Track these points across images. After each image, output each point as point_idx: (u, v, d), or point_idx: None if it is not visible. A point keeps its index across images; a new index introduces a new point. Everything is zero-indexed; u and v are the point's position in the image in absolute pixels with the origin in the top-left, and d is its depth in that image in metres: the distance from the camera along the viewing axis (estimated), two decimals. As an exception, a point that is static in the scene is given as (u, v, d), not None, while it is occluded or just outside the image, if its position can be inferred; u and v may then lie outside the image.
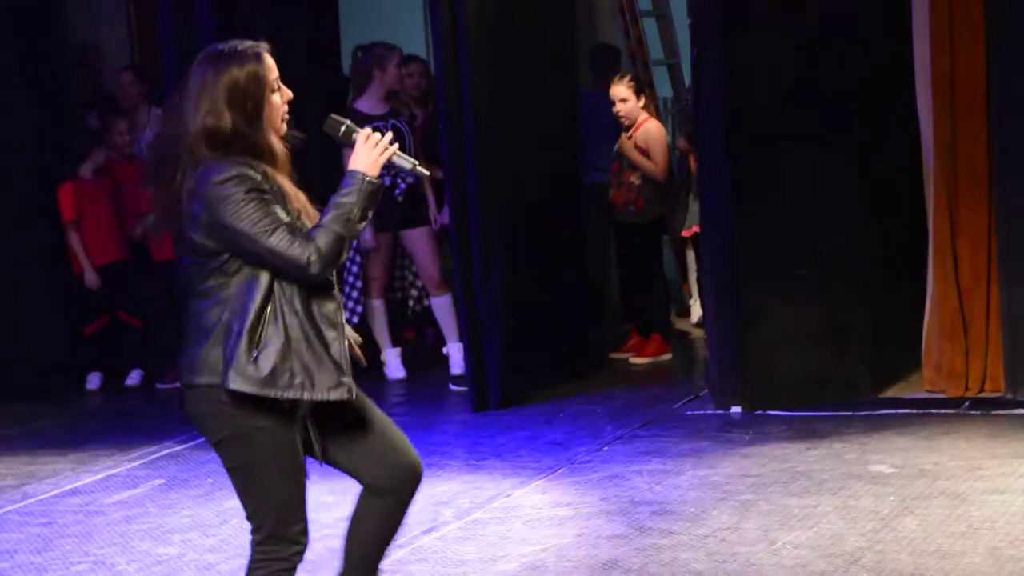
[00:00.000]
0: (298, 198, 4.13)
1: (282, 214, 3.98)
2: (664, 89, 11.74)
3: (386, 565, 5.80)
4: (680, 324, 10.39)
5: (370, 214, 4.09)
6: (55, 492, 7.25)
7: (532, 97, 8.73)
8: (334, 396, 4.06)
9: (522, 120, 8.61)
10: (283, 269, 3.97)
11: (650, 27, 11.61)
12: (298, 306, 4.01)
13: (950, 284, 7.83)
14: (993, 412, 7.55)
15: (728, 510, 6.21)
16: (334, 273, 4.13)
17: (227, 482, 7.08)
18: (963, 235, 7.82)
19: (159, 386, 9.60)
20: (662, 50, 11.68)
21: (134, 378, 9.72)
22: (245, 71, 4.03)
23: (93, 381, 9.72)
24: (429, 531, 6.21)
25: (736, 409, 7.93)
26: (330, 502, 6.66)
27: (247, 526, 6.36)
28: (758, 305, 7.93)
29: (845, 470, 6.68)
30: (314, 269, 3.96)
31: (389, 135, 4.20)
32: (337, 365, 4.06)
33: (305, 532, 4.25)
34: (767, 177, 7.93)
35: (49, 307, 9.65)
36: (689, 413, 8.05)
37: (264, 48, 4.10)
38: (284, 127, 4.13)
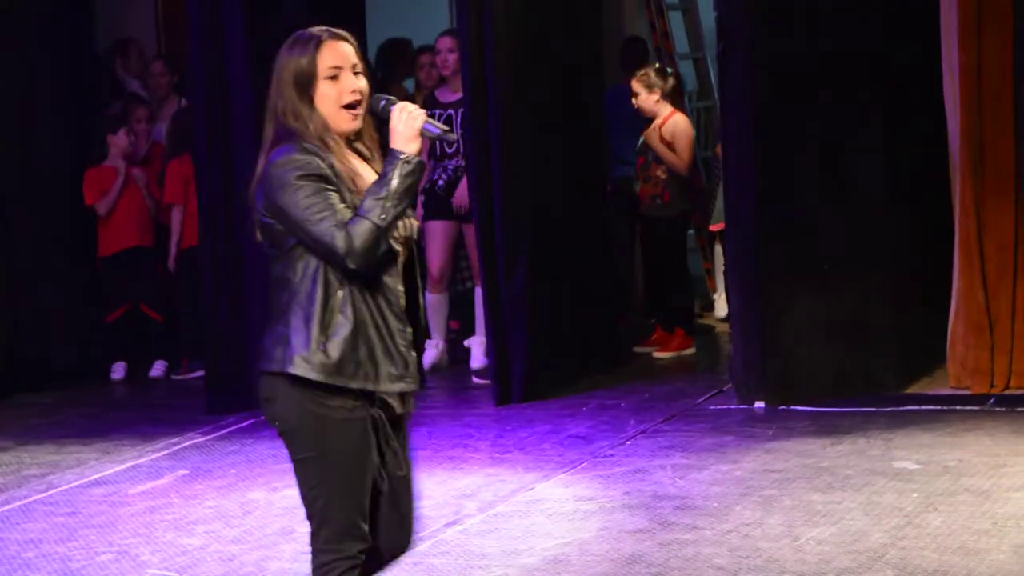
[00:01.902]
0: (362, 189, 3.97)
1: (337, 202, 3.90)
2: (690, 83, 11.71)
3: (409, 557, 5.83)
4: (705, 319, 10.37)
5: (413, 192, 3.93)
6: (80, 482, 7.27)
7: (558, 90, 8.71)
8: (397, 388, 3.98)
9: (548, 113, 8.60)
10: (326, 259, 3.90)
11: (676, 20, 11.58)
12: (367, 293, 3.93)
13: (976, 279, 7.80)
14: (1018, 409, 7.51)
15: (751, 505, 6.19)
16: (398, 260, 4.00)
17: (250, 472, 7.18)
18: (989, 230, 7.78)
19: (174, 377, 9.61)
20: (688, 44, 11.66)
21: (158, 369, 9.74)
22: (302, 58, 3.96)
23: (118, 371, 9.74)
24: (451, 524, 6.21)
25: (760, 404, 7.91)
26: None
27: (271, 518, 6.42)
28: (783, 300, 7.91)
29: (869, 466, 6.66)
30: (351, 263, 3.87)
31: (418, 108, 4.02)
32: (401, 357, 3.98)
33: (369, 530, 4.06)
34: (793, 171, 7.91)
35: (73, 297, 9.67)
36: (712, 408, 8.03)
37: (333, 35, 4.00)
38: (347, 117, 3.99)
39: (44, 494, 7.09)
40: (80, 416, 8.79)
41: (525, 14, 8.42)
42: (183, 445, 7.87)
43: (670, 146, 9.31)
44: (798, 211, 7.90)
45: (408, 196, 3.92)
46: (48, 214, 9.58)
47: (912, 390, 7.97)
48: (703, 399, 8.22)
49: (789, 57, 7.86)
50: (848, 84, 7.82)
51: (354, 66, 4.00)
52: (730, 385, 8.22)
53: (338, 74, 3.98)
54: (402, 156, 3.92)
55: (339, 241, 3.84)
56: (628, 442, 7.40)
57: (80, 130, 9.74)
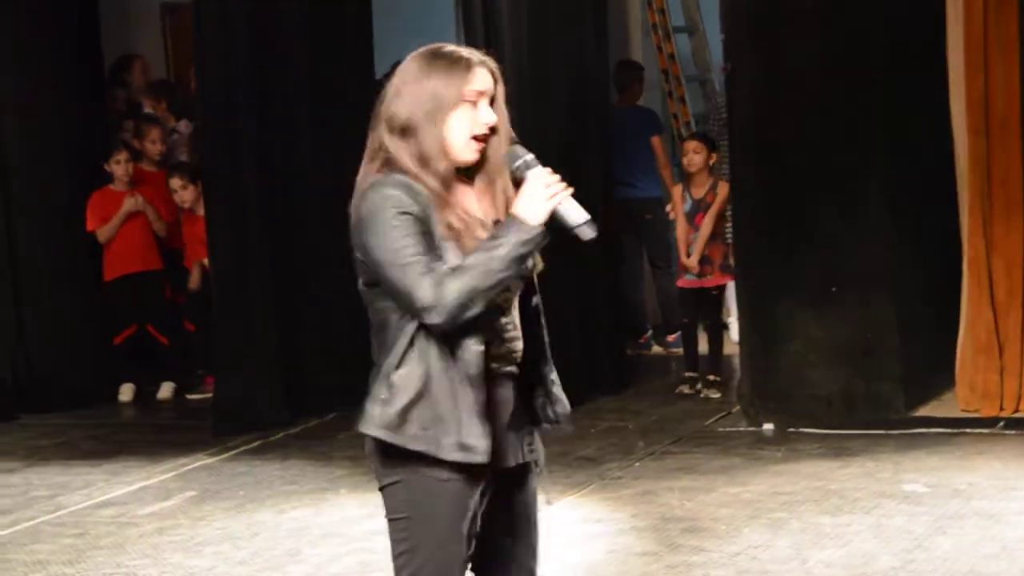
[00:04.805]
0: (463, 236, 3.49)
1: (427, 251, 3.43)
2: (697, 105, 11.72)
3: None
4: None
5: (520, 264, 3.51)
6: (88, 503, 7.27)
7: (563, 113, 8.72)
8: (454, 457, 3.48)
9: (555, 135, 8.61)
10: (405, 308, 3.46)
11: (683, 43, 11.61)
12: (445, 348, 3.48)
13: (984, 301, 7.79)
14: (1028, 432, 7.52)
15: (759, 528, 6.18)
16: (482, 320, 3.50)
17: (258, 493, 7.18)
18: (997, 252, 7.78)
19: (188, 397, 9.63)
20: (695, 66, 11.68)
21: (165, 390, 9.74)
22: (450, 77, 3.52)
23: (126, 392, 9.74)
24: (459, 546, 6.19)
25: (768, 426, 7.90)
26: (359, 515, 6.66)
27: (278, 539, 6.41)
28: (791, 322, 7.91)
29: (878, 489, 6.65)
30: (431, 318, 3.40)
31: (565, 186, 3.58)
32: (467, 423, 3.48)
33: None
34: (800, 193, 7.91)
35: (81, 319, 9.67)
36: (721, 430, 8.02)
37: (481, 60, 3.56)
38: (473, 148, 3.53)
39: (52, 515, 7.08)
40: (88, 437, 8.79)
41: (531, 38, 8.44)
42: (191, 466, 7.87)
43: None
44: (805, 232, 7.90)
45: (515, 268, 3.49)
46: (55, 234, 9.58)
47: (921, 413, 7.95)
48: (711, 421, 8.21)
49: (796, 79, 7.87)
50: (855, 105, 7.83)
51: (492, 98, 3.58)
52: (738, 407, 8.21)
53: (478, 101, 3.55)
54: (523, 225, 3.49)
55: (425, 290, 3.40)
56: (636, 464, 7.39)
57: (86, 150, 9.74)
